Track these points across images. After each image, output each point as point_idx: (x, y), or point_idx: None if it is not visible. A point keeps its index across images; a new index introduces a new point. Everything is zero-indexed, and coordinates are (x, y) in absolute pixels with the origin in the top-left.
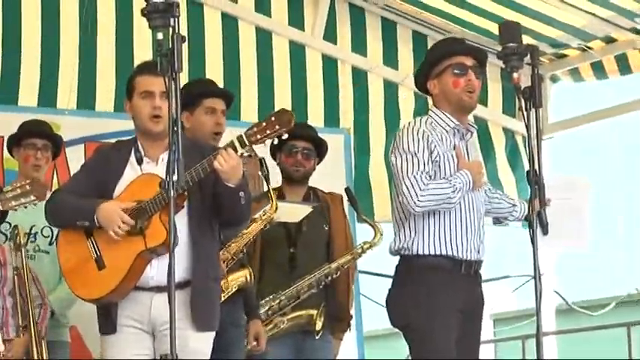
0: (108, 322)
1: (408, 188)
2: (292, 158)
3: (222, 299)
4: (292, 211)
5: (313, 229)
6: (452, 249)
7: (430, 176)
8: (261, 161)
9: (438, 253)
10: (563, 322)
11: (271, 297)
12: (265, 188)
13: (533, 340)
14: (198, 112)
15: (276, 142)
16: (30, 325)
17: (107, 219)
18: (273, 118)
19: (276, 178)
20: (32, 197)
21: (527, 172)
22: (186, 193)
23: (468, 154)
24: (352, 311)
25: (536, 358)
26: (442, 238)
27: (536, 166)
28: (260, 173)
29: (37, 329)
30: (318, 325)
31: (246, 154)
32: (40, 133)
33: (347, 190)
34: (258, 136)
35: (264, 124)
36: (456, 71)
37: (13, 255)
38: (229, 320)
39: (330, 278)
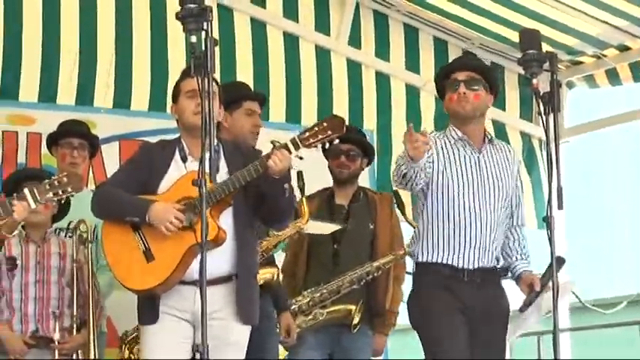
0: (151, 313)
1: None
2: (337, 160)
3: None
4: (321, 227)
5: (358, 228)
6: (448, 258)
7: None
8: (299, 174)
9: (434, 260)
10: (576, 320)
11: (313, 289)
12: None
13: (547, 337)
14: (238, 113)
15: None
16: (90, 322)
17: (159, 217)
18: (325, 124)
19: (326, 179)
20: (69, 189)
21: (544, 217)
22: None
23: (478, 166)
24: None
25: (553, 354)
26: (439, 246)
27: (554, 168)
28: (297, 185)
29: (97, 327)
30: (356, 320)
31: (298, 157)
32: (76, 133)
33: (395, 192)
34: (311, 140)
35: (316, 128)
36: (451, 88)
37: (75, 248)
38: (262, 313)
39: (371, 276)
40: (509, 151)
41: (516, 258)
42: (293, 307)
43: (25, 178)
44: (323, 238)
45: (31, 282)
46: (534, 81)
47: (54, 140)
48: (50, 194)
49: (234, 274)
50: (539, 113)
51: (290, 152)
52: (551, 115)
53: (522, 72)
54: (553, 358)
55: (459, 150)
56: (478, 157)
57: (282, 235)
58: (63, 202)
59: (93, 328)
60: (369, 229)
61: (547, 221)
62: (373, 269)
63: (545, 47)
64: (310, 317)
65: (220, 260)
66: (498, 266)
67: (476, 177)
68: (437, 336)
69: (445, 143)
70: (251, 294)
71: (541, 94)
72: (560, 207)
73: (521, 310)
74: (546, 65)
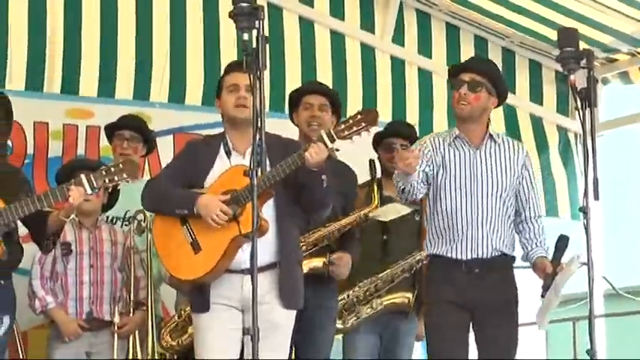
0: (202, 302)
1: None
2: (389, 154)
3: None
4: (393, 210)
5: (406, 219)
6: (445, 250)
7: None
8: (371, 162)
9: (436, 252)
10: (610, 306)
11: (368, 280)
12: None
13: (582, 322)
14: (300, 110)
15: (362, 134)
16: (148, 304)
17: (207, 208)
18: (359, 116)
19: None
20: (124, 175)
21: (580, 208)
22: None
23: (473, 163)
24: None
25: (588, 340)
26: (437, 239)
27: (591, 161)
28: (369, 174)
29: (153, 311)
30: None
31: (334, 149)
32: (128, 126)
33: None
34: (346, 132)
35: (350, 121)
36: (455, 87)
37: (131, 236)
38: (314, 301)
39: (420, 264)
40: (514, 148)
41: (531, 247)
42: (350, 297)
43: (80, 167)
44: (371, 229)
45: (85, 266)
46: (571, 77)
47: (110, 133)
48: (106, 180)
49: (277, 262)
50: (576, 108)
51: (326, 145)
52: (588, 110)
53: (559, 68)
54: (588, 343)
55: (455, 148)
56: (474, 154)
57: (343, 224)
58: (118, 188)
59: (151, 310)
60: (415, 220)
61: (583, 211)
62: (423, 257)
63: (582, 45)
64: (368, 306)
65: (263, 249)
66: (512, 255)
67: (468, 173)
68: (436, 328)
69: (442, 142)
70: (293, 280)
71: (578, 89)
72: (596, 198)
73: (542, 295)
74: (583, 62)
